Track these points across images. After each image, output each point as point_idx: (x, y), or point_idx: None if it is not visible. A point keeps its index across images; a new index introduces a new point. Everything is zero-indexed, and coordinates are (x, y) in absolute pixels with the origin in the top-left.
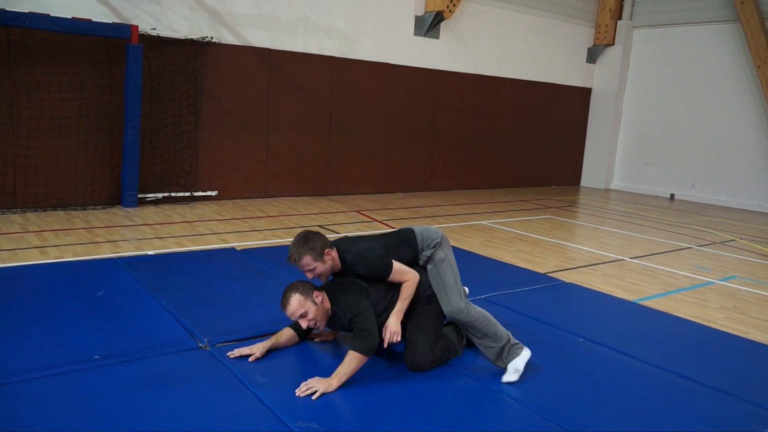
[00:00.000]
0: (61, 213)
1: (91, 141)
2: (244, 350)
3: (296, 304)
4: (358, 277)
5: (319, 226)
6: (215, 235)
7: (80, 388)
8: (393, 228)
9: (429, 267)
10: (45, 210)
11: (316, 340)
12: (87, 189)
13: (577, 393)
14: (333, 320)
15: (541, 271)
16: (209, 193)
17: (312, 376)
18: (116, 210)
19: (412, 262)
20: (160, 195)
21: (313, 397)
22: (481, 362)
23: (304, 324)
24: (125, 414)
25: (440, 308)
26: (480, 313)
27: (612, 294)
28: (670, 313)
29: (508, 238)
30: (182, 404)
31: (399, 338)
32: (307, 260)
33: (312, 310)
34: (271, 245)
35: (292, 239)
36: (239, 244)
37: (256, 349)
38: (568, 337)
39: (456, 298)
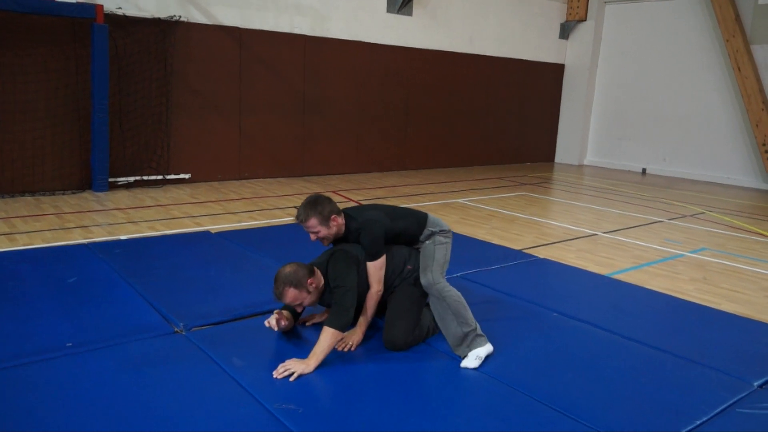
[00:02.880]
0: (29, 199)
1: (59, 124)
2: (272, 321)
3: (291, 298)
4: (358, 243)
5: (295, 207)
6: (189, 219)
7: (53, 376)
8: None
9: (426, 243)
10: (12, 196)
11: (308, 324)
12: (56, 174)
13: (551, 366)
14: (325, 294)
15: (517, 247)
16: (182, 176)
17: (289, 357)
18: (86, 195)
19: (413, 239)
20: (131, 179)
21: (291, 379)
22: None
23: (299, 310)
24: (100, 401)
25: (424, 291)
26: (455, 293)
27: (586, 268)
28: (642, 286)
29: (483, 215)
30: (159, 389)
31: (353, 350)
32: (313, 222)
33: (307, 299)
34: (247, 227)
35: (268, 221)
36: (214, 227)
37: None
38: (543, 312)
39: (438, 273)
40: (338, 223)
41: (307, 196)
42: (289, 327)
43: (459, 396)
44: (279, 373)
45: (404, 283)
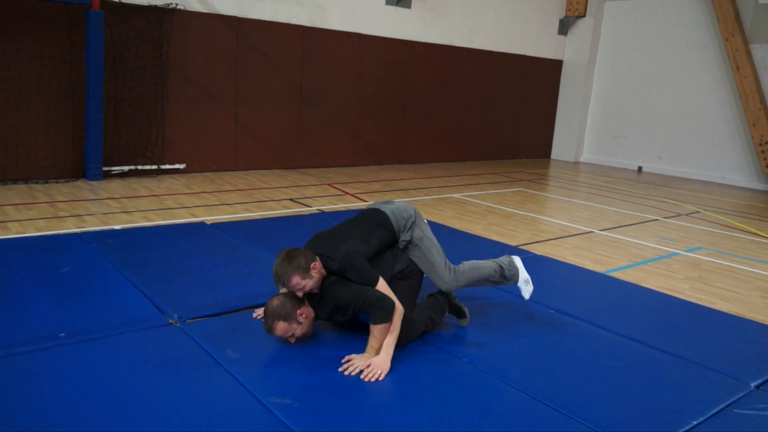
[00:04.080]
0: (22, 186)
1: (53, 111)
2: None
3: (281, 331)
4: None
5: (291, 199)
6: (184, 209)
7: (46, 366)
8: (366, 201)
9: (411, 248)
10: (5, 183)
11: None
12: (49, 162)
13: (547, 364)
14: (317, 311)
15: (513, 243)
16: (177, 166)
17: (283, 351)
18: (80, 183)
19: (391, 243)
20: (126, 168)
21: (380, 379)
22: (452, 335)
23: (291, 341)
24: (94, 392)
25: (415, 282)
26: (467, 275)
27: (582, 266)
28: (638, 284)
29: (480, 211)
30: (153, 382)
31: (381, 378)
32: (296, 280)
33: (298, 330)
34: (242, 219)
35: (263, 213)
36: (209, 218)
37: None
38: (540, 308)
39: (446, 274)
40: (318, 268)
41: (303, 186)
42: None
43: (454, 392)
44: (349, 371)
45: (392, 280)
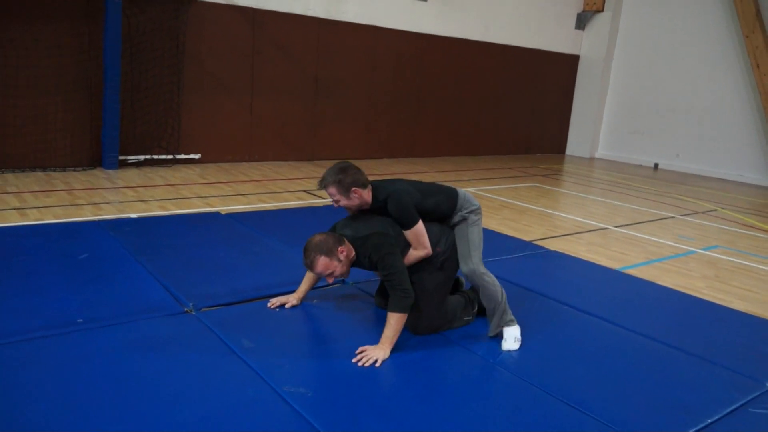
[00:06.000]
0: (40, 174)
1: (70, 101)
2: (281, 299)
3: (322, 267)
4: (386, 214)
5: (305, 191)
6: (199, 199)
7: (64, 351)
8: None
9: (460, 223)
10: (24, 171)
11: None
12: (66, 150)
13: (561, 359)
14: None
15: (527, 238)
16: (192, 156)
17: (298, 340)
18: (97, 172)
19: (445, 216)
20: (141, 157)
21: (377, 365)
22: (469, 330)
23: (330, 280)
24: (110, 378)
25: (450, 275)
26: (492, 280)
27: (597, 262)
28: (653, 281)
29: (494, 205)
30: (168, 368)
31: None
32: (332, 191)
33: (338, 269)
34: (256, 209)
35: (277, 204)
36: (224, 208)
37: (292, 298)
38: (553, 304)
39: (477, 259)
40: (360, 195)
41: (316, 178)
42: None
43: (467, 385)
44: (363, 362)
45: (430, 266)
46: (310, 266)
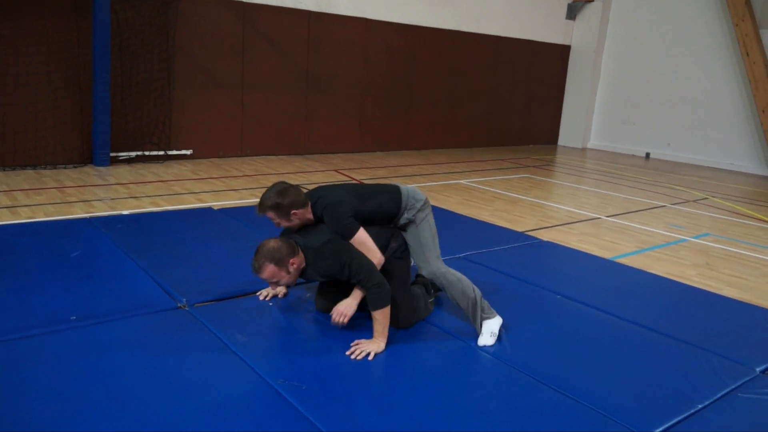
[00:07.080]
0: (30, 172)
1: (60, 98)
2: (271, 290)
3: (268, 274)
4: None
5: (298, 185)
6: (191, 195)
7: (58, 349)
8: None
9: (408, 226)
10: (14, 169)
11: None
12: (57, 147)
13: (554, 348)
14: (307, 270)
15: (520, 229)
16: (184, 151)
17: (291, 334)
18: (88, 169)
19: (392, 215)
20: (133, 154)
21: (369, 358)
22: (459, 319)
23: (272, 287)
24: (104, 374)
25: (409, 262)
26: (455, 278)
27: (589, 252)
28: (645, 270)
29: (486, 197)
30: (162, 364)
31: (346, 320)
32: (272, 215)
33: (284, 279)
34: (249, 204)
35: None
36: (216, 203)
37: (281, 288)
38: (546, 294)
39: (433, 259)
40: (300, 215)
41: (309, 172)
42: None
43: (461, 375)
44: (356, 355)
45: (392, 257)
46: (257, 271)
